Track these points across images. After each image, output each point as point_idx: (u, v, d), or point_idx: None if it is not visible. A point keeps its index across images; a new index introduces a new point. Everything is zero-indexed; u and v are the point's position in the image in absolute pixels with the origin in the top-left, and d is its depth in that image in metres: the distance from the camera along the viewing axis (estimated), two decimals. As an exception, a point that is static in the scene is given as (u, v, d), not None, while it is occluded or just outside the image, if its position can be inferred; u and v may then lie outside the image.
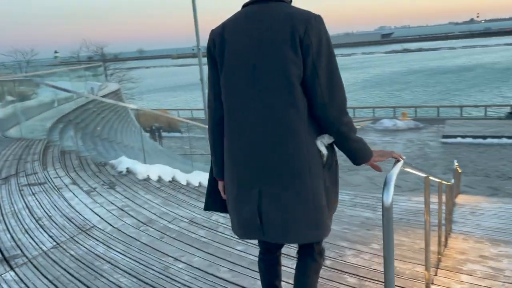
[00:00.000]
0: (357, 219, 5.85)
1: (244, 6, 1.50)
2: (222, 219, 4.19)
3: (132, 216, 3.93)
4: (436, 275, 3.05)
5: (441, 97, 37.49)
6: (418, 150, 19.17)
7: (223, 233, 3.67)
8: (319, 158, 1.46)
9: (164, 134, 20.07)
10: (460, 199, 8.99)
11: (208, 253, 3.12)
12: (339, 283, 2.74)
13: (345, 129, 1.46)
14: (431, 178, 2.97)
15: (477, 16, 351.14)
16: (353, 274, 2.89)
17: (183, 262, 2.95)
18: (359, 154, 1.54)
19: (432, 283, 2.81)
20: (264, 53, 1.39)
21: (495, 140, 19.04)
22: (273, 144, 1.42)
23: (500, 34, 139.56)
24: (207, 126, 1.70)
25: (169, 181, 5.72)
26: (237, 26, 1.47)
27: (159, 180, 5.61)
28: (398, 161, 1.62)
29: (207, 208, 1.79)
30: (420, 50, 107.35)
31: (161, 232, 3.54)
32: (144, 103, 42.23)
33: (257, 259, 1.90)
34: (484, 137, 19.40)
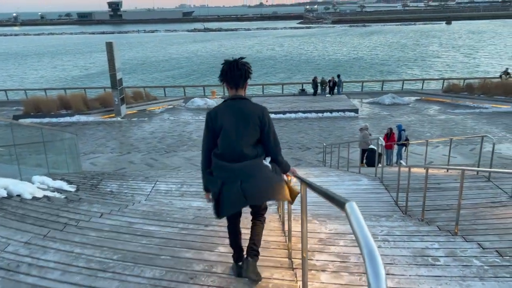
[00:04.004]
0: (189, 212, 5.38)
1: (225, 100, 2.85)
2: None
3: None
4: (296, 279, 2.85)
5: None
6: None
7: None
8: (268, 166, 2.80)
9: None
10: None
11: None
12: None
13: (280, 159, 2.86)
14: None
15: (266, 1, 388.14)
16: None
17: None
18: (286, 167, 2.92)
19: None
20: (242, 123, 2.72)
21: (293, 115, 21.36)
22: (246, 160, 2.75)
23: (286, 18, 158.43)
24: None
25: None
26: (226, 109, 2.78)
27: None
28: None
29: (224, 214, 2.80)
30: (220, 30, 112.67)
31: None
32: None
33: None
34: (284, 112, 21.52)
